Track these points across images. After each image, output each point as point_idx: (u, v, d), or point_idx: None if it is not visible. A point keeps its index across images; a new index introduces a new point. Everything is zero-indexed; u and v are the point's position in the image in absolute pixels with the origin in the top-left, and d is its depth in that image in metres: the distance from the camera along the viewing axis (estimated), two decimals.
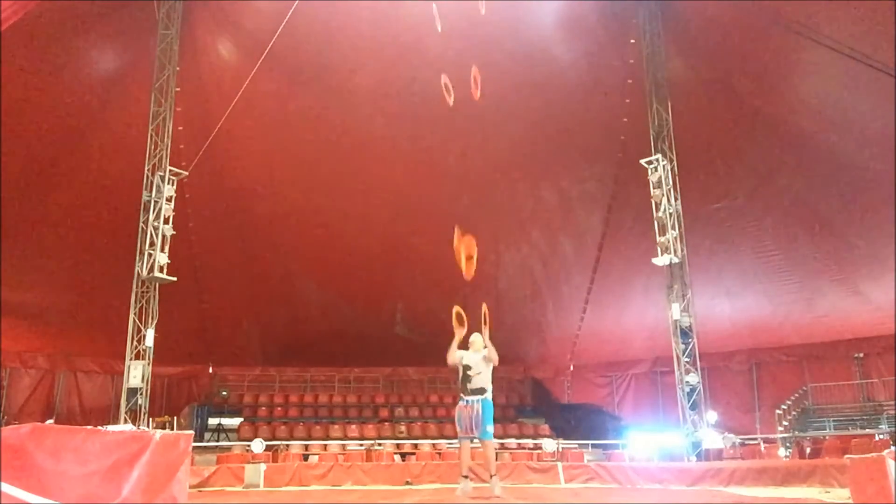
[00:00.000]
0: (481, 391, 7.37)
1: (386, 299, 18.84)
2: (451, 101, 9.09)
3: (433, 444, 16.78)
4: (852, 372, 18.21)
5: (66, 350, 18.80)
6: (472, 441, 7.71)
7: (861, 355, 18.12)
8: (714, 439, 13.36)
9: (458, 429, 7.45)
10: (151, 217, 12.64)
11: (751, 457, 13.86)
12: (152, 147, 13.22)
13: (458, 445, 7.89)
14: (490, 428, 7.40)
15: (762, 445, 15.34)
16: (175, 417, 16.84)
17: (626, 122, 15.48)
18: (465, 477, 7.54)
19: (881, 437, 15.17)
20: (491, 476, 7.47)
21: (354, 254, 17.62)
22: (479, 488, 8.19)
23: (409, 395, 20.36)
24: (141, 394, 12.24)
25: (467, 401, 7.37)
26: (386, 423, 18.29)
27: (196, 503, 8.06)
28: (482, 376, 7.41)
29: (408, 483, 11.70)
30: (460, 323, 7.64)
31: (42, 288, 16.65)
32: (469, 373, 7.42)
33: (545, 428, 18.31)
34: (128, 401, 12.16)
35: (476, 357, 7.52)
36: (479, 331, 7.66)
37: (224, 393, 19.85)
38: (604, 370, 21.80)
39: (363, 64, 14.16)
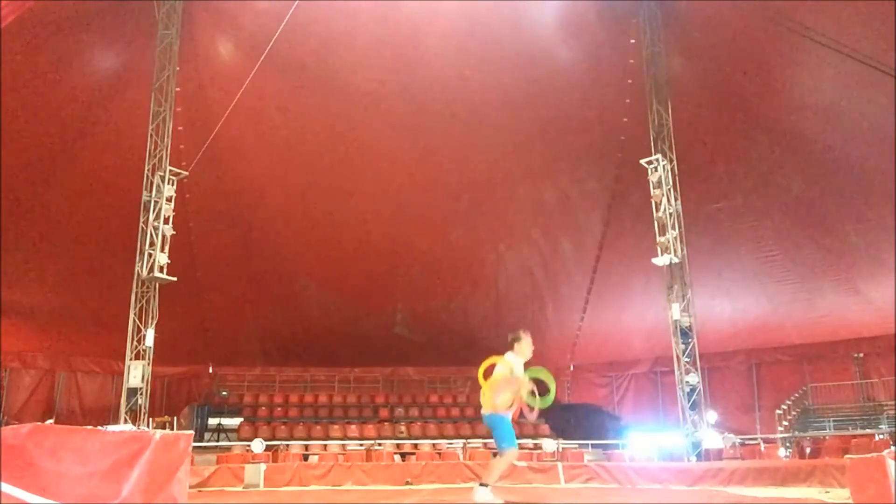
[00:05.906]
0: None
1: (386, 299, 18.84)
2: None
3: (433, 444, 16.78)
4: (852, 372, 18.22)
5: (66, 350, 18.81)
6: None
7: (861, 355, 18.13)
8: (714, 439, 13.36)
9: None
10: (151, 217, 12.63)
11: (751, 457, 13.85)
12: (152, 147, 13.20)
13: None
14: None
15: (762, 445, 15.32)
16: (175, 417, 16.86)
17: (626, 122, 15.47)
18: None
19: (881, 437, 15.17)
20: None
21: (354, 254, 17.62)
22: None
23: (409, 395, 20.36)
24: (141, 394, 12.23)
25: None
26: (386, 423, 18.29)
27: (196, 503, 8.06)
28: None
29: (408, 483, 11.71)
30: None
31: (42, 288, 16.65)
32: None
33: (545, 428, 18.29)
34: (128, 401, 12.15)
35: None
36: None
37: (224, 393, 19.86)
38: (604, 370, 21.81)
39: (363, 64, 14.14)
